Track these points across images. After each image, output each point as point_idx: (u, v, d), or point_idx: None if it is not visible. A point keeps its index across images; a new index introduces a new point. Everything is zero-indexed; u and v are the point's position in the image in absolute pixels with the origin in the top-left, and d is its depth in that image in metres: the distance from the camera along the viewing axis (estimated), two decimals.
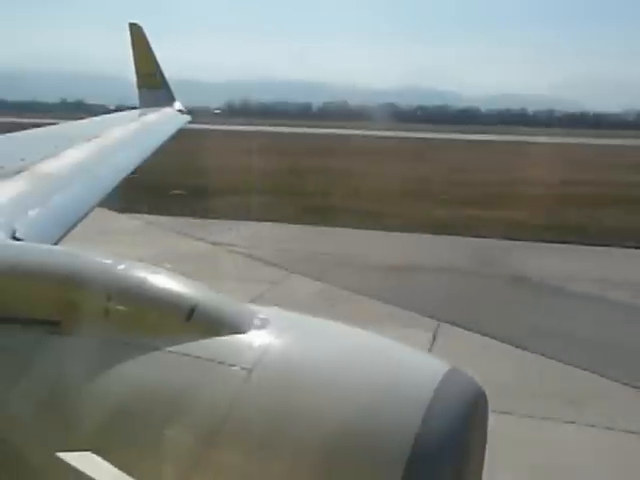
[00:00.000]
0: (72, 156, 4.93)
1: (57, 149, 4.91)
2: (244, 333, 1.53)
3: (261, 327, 1.54)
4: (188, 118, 11.15)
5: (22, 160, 4.20)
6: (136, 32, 11.84)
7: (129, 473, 1.34)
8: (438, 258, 16.24)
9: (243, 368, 1.42)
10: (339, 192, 25.41)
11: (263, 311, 1.62)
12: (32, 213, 3.13)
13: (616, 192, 29.02)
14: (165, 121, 9.91)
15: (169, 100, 11.80)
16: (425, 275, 14.75)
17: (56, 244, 2.95)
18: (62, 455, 1.35)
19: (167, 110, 11.03)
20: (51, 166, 4.34)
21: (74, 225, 3.55)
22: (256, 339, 1.51)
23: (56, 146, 5.03)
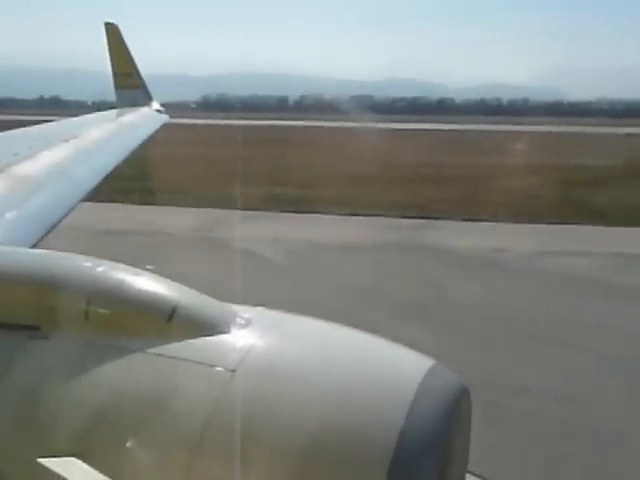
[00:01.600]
0: (49, 157, 4.91)
1: (33, 150, 4.89)
2: (226, 333, 1.52)
3: (243, 327, 1.54)
4: (166, 118, 11.18)
5: None
6: (112, 32, 11.69)
7: (112, 477, 1.33)
8: None
9: (226, 369, 1.41)
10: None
11: (245, 311, 1.62)
12: (9, 216, 3.11)
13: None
14: (143, 121, 9.95)
15: (147, 100, 11.82)
16: None
17: (34, 247, 2.92)
18: (44, 461, 1.35)
19: (145, 110, 11.06)
20: (28, 168, 4.30)
21: (52, 227, 3.53)
22: (239, 339, 1.50)
23: (32, 147, 5.00)
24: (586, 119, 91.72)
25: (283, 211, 22.18)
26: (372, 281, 14.12)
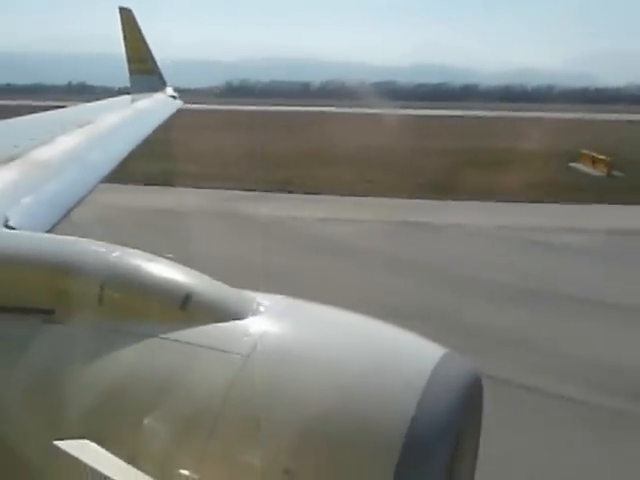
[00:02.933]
0: (65, 143, 4.99)
1: (50, 136, 4.97)
2: (239, 320, 1.53)
3: (256, 313, 1.55)
4: (180, 103, 11.25)
5: (15, 147, 4.25)
6: (126, 17, 11.69)
7: (126, 460, 1.35)
8: None
9: (239, 354, 1.43)
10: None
11: (258, 297, 1.63)
12: (25, 201, 3.15)
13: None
14: (157, 107, 10.01)
15: (161, 85, 11.90)
16: None
17: (49, 232, 2.96)
18: (59, 443, 1.37)
19: (159, 96, 11.12)
20: (44, 153, 4.37)
21: (68, 212, 3.58)
22: (251, 326, 1.51)
23: (49, 133, 5.09)
24: (607, 106, 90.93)
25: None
26: None
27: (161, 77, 12.26)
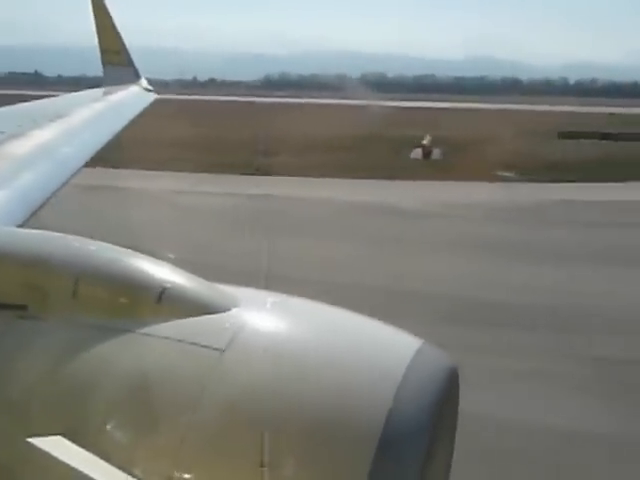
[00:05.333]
0: (36, 136, 4.90)
1: (20, 129, 4.90)
2: (216, 314, 1.52)
3: (233, 308, 1.54)
4: (154, 96, 11.05)
5: None
6: (98, 7, 11.36)
7: (100, 456, 1.34)
8: None
9: (215, 349, 1.42)
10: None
11: (236, 292, 1.62)
12: None
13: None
14: (131, 100, 9.84)
15: (135, 77, 11.62)
16: None
17: (21, 226, 2.92)
18: (32, 440, 1.35)
19: (133, 88, 10.89)
20: (14, 147, 4.31)
21: (40, 207, 3.53)
22: (228, 320, 1.51)
23: (19, 126, 5.03)
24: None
25: None
26: None
27: (135, 69, 11.95)
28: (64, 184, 4.29)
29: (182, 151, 31.31)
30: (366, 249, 16.88)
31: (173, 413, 1.36)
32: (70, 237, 1.78)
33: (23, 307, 1.60)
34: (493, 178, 27.91)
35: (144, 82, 11.73)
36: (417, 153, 36.88)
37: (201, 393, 1.37)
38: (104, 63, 11.81)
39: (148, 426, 1.37)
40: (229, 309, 1.55)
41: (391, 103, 74.41)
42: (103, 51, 11.81)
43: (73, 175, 4.63)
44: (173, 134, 35.41)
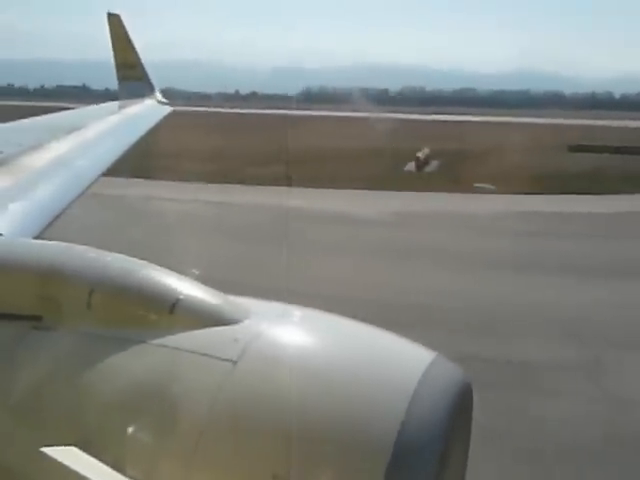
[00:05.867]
0: (52, 149, 4.99)
1: (37, 142, 4.98)
2: (228, 325, 1.53)
3: (245, 319, 1.55)
4: (169, 109, 11.27)
5: (1, 153, 4.26)
6: (115, 23, 11.63)
7: (114, 466, 1.35)
8: None
9: (227, 360, 1.43)
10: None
11: (248, 303, 1.63)
12: (12, 207, 3.16)
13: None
14: (146, 113, 10.03)
15: (150, 91, 11.88)
16: None
17: (37, 238, 2.95)
18: (45, 450, 1.36)
19: (148, 102, 11.13)
20: (31, 159, 4.39)
21: (55, 218, 3.59)
22: (240, 331, 1.51)
23: (36, 138, 5.12)
24: None
25: None
26: None
27: (150, 82, 12.22)
28: (80, 196, 4.37)
29: (224, 163, 32.72)
30: (277, 250, 16.81)
31: (185, 424, 1.37)
32: (84, 248, 1.81)
33: (38, 318, 1.61)
34: (471, 189, 28.73)
35: (159, 95, 12.01)
36: (411, 166, 38.08)
37: (213, 404, 1.37)
38: (120, 77, 12.15)
39: (160, 437, 1.38)
40: (242, 320, 1.55)
41: (418, 116, 76.84)
42: (119, 65, 12.13)
43: (89, 187, 4.71)
44: (214, 146, 36.75)
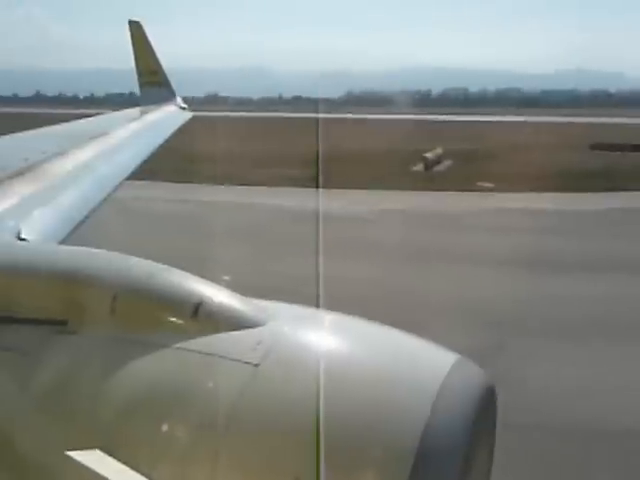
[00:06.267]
0: (76, 155, 5.06)
1: (60, 148, 5.05)
2: (250, 329, 1.54)
3: (267, 322, 1.56)
4: (190, 115, 11.40)
5: (26, 160, 4.30)
6: (136, 30, 11.79)
7: (138, 469, 1.36)
8: None
9: (249, 363, 1.44)
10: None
11: (270, 306, 1.64)
12: (37, 213, 3.20)
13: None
14: (167, 119, 10.13)
15: (171, 97, 11.99)
16: None
17: (61, 243, 3.01)
18: (70, 453, 1.38)
19: (169, 107, 11.23)
20: (55, 166, 4.46)
21: (79, 224, 3.66)
22: (262, 334, 1.52)
23: (59, 145, 5.18)
24: None
25: None
26: None
27: (171, 89, 12.36)
28: (103, 201, 4.43)
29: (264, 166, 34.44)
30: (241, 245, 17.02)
31: (208, 427, 1.38)
32: (108, 253, 1.83)
33: (63, 322, 1.63)
34: (471, 188, 29.93)
35: (180, 101, 12.12)
36: (420, 166, 38.82)
37: (236, 407, 1.38)
38: (141, 84, 12.27)
39: (183, 440, 1.39)
40: (264, 324, 1.56)
41: (454, 117, 77.68)
42: (140, 72, 12.25)
43: (112, 192, 4.78)
44: (258, 149, 39.12)
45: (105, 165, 5.32)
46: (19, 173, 3.95)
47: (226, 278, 1.80)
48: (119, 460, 1.38)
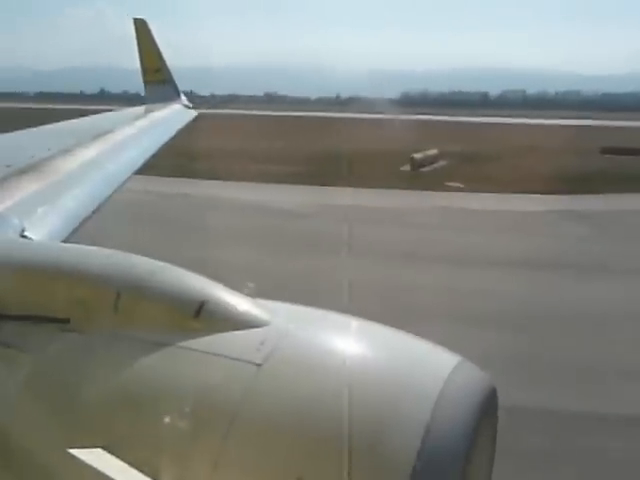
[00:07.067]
0: (80, 153, 5.06)
1: (65, 146, 5.05)
2: (254, 328, 1.54)
3: (270, 322, 1.56)
4: (195, 113, 11.37)
5: (31, 157, 4.31)
6: (141, 27, 11.79)
7: (140, 468, 1.36)
8: None
9: (252, 363, 1.44)
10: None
11: (274, 306, 1.64)
12: (41, 210, 3.20)
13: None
14: (172, 117, 10.13)
15: (175, 95, 12.02)
16: None
17: (65, 241, 3.01)
18: (72, 451, 1.38)
19: (174, 106, 11.23)
20: (60, 163, 4.46)
21: (83, 222, 3.64)
22: (266, 334, 1.52)
23: (65, 143, 5.18)
24: None
25: None
26: None
27: (175, 86, 12.38)
28: (107, 200, 4.44)
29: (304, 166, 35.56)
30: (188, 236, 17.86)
31: (210, 427, 1.38)
32: (111, 251, 1.83)
33: (66, 320, 1.63)
34: (437, 188, 31.33)
35: (184, 99, 12.16)
36: (407, 166, 39.97)
37: (238, 407, 1.38)
38: (145, 82, 12.24)
39: (186, 440, 1.38)
40: (267, 323, 1.56)
41: (492, 119, 79.04)
42: (145, 70, 12.22)
43: (116, 191, 4.78)
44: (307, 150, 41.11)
45: (111, 163, 5.32)
46: (24, 170, 3.95)
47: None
48: (121, 459, 1.38)
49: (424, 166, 40.32)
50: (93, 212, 3.96)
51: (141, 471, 1.36)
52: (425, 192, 31.00)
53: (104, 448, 1.39)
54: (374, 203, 27.16)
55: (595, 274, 17.66)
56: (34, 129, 6.48)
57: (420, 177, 36.13)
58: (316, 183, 31.42)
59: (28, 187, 3.62)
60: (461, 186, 32.45)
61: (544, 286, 15.95)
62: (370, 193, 29.38)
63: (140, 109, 10.35)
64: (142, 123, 8.44)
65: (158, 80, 12.16)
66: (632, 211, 27.05)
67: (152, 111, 10.03)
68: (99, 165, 5.03)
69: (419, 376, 1.43)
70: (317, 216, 24.29)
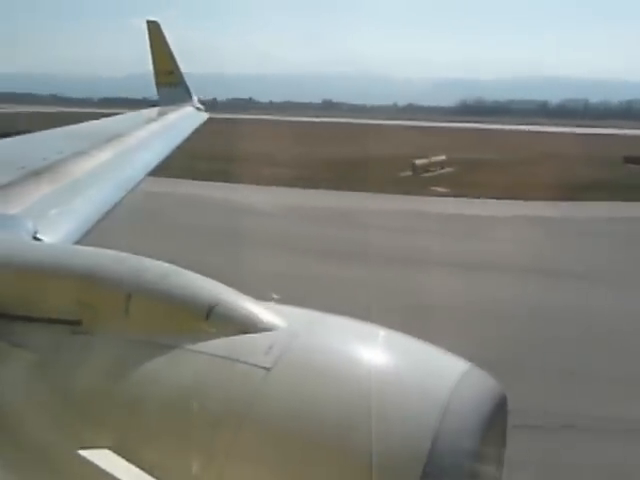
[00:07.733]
0: (94, 155, 5.10)
1: (79, 149, 5.09)
2: (263, 332, 1.55)
3: (280, 326, 1.57)
4: (207, 116, 11.52)
5: (44, 160, 4.35)
6: (154, 29, 11.89)
7: (150, 471, 1.38)
8: None
9: (262, 367, 1.44)
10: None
11: (284, 310, 1.65)
12: (53, 213, 3.24)
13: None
14: (185, 119, 10.23)
15: (187, 97, 12.11)
16: None
17: (77, 244, 3.04)
18: (81, 452, 1.40)
19: (187, 108, 11.34)
20: (73, 165, 4.50)
21: (95, 224, 3.69)
22: (275, 338, 1.52)
23: (78, 146, 5.21)
24: None
25: None
26: None
27: (187, 89, 12.49)
28: (119, 202, 4.48)
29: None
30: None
31: (219, 431, 1.38)
32: (122, 254, 1.84)
33: (77, 322, 1.65)
34: (424, 193, 32.26)
35: (196, 102, 12.25)
36: (407, 171, 40.64)
37: (247, 411, 1.38)
38: (158, 84, 12.36)
39: (194, 442, 1.40)
40: (277, 327, 1.56)
41: (535, 128, 79.43)
42: (157, 72, 12.34)
43: (128, 193, 4.81)
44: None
45: (123, 165, 5.36)
46: (37, 172, 3.99)
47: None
48: (130, 461, 1.39)
49: (427, 172, 41.11)
50: (106, 214, 4.01)
51: (151, 473, 1.37)
52: (412, 197, 31.73)
53: (114, 450, 1.41)
54: (346, 206, 27.93)
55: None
56: (48, 131, 6.60)
57: (415, 182, 36.92)
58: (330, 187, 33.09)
59: (41, 189, 3.67)
60: (446, 191, 33.23)
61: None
62: (358, 196, 30.31)
63: (153, 111, 10.50)
64: (155, 126, 8.52)
65: (171, 82, 12.34)
66: None
67: (165, 113, 10.15)
68: (112, 167, 5.10)
69: (428, 382, 1.44)
70: (274, 215, 25.16)
